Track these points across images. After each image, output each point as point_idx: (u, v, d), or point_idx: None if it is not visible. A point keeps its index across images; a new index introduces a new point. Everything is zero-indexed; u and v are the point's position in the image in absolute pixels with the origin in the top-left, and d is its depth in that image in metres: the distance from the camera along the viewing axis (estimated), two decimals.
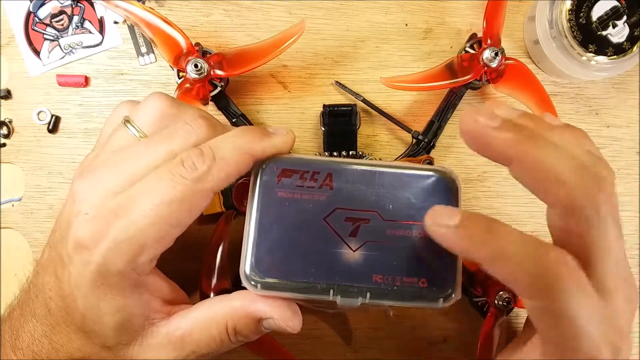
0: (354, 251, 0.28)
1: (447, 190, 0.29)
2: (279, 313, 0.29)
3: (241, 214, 0.42)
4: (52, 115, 0.43)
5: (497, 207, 0.46)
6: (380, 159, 0.44)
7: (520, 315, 0.45)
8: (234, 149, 0.28)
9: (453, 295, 0.27)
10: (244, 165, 0.28)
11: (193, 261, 0.44)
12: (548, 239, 0.48)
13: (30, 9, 0.43)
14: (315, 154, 0.43)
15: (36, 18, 0.43)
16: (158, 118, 0.30)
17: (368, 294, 0.27)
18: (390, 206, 0.28)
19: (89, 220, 0.27)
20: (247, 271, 0.28)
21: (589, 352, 0.23)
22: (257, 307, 0.29)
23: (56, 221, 0.30)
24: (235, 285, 0.42)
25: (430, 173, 0.29)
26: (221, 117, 0.42)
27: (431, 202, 0.28)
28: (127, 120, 0.30)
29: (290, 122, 0.45)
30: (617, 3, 0.41)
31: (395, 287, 0.27)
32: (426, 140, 0.42)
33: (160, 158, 0.28)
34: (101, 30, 0.44)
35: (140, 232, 0.26)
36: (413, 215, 0.28)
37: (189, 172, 0.27)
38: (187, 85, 0.38)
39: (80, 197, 0.28)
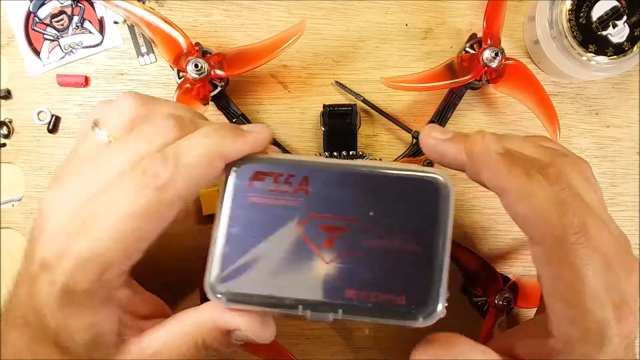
0: (327, 263, 0.25)
1: (437, 195, 0.25)
2: (247, 324, 0.27)
3: None
4: (52, 115, 0.43)
5: (497, 206, 0.46)
6: (380, 159, 0.44)
7: (521, 315, 0.45)
8: (202, 152, 0.25)
9: (435, 313, 0.25)
10: (214, 169, 0.26)
11: (193, 261, 0.44)
12: None
13: (30, 9, 0.43)
14: (316, 154, 0.43)
15: (36, 18, 0.43)
16: (129, 119, 0.27)
17: (340, 310, 0.25)
18: (371, 213, 0.25)
19: (53, 237, 0.25)
20: (212, 283, 0.26)
21: (592, 306, 0.24)
22: (225, 318, 0.27)
23: (28, 233, 0.28)
24: None
25: (420, 176, 0.26)
26: (221, 117, 0.42)
27: (417, 211, 0.25)
28: (95, 124, 0.27)
29: (290, 122, 0.45)
30: (617, 3, 0.41)
31: (369, 304, 0.25)
32: None
33: (126, 165, 0.25)
34: (101, 30, 0.44)
35: (105, 249, 0.24)
36: (396, 225, 0.25)
37: (152, 181, 0.24)
38: (187, 85, 0.38)
39: (46, 212, 0.26)
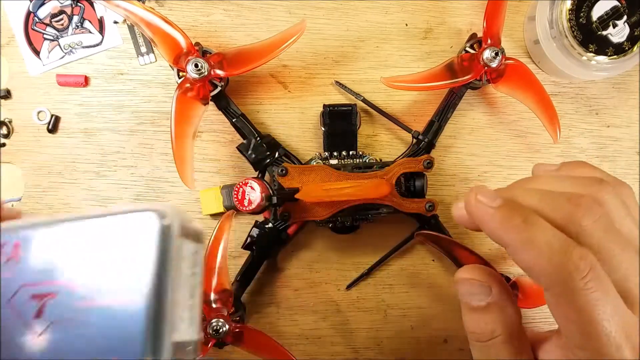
0: (38, 336, 0.21)
1: (151, 235, 0.21)
2: None
3: (241, 213, 0.42)
4: (52, 115, 0.43)
5: None
6: (380, 159, 0.44)
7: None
8: None
9: None
10: None
11: None
12: None
13: (30, 9, 0.43)
14: (314, 159, 0.43)
15: (36, 18, 0.43)
16: None
17: None
18: (81, 270, 0.22)
19: None
20: None
21: (607, 349, 0.23)
22: None
23: None
24: (234, 285, 0.42)
25: (128, 217, 0.22)
26: (221, 117, 0.42)
27: (130, 256, 0.21)
28: None
29: (290, 122, 0.45)
30: (617, 3, 0.41)
31: None
32: (426, 140, 0.42)
33: None
34: (101, 30, 0.44)
35: None
36: (109, 277, 0.21)
37: None
38: (187, 85, 0.38)
39: None
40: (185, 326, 0.23)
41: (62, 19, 0.44)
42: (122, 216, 0.22)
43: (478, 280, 0.26)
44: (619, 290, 0.23)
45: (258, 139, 0.41)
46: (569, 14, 0.41)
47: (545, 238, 0.24)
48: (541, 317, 0.46)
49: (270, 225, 0.41)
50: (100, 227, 0.22)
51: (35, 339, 0.21)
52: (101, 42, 0.44)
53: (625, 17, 0.41)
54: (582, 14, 0.41)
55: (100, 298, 0.21)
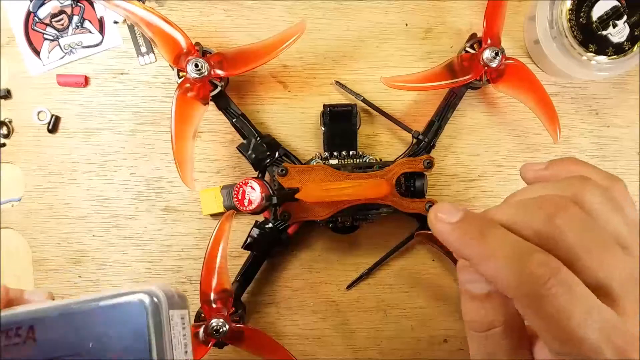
0: None
1: (143, 313, 0.27)
2: None
3: (241, 213, 0.42)
4: (52, 115, 0.43)
5: None
6: (380, 159, 0.44)
7: None
8: None
9: None
10: None
11: (193, 261, 0.44)
12: None
13: (30, 9, 0.43)
14: (314, 159, 0.43)
15: (36, 18, 0.43)
16: None
17: None
18: (91, 344, 0.27)
19: None
20: None
21: (587, 353, 0.22)
22: None
23: None
24: (234, 285, 0.42)
25: (122, 300, 0.27)
26: (221, 117, 0.42)
27: (129, 332, 0.27)
28: None
29: (290, 122, 0.45)
30: (617, 3, 0.41)
31: None
32: (426, 140, 0.42)
33: None
34: (101, 30, 0.44)
35: None
36: (113, 351, 0.27)
37: None
38: (187, 85, 0.38)
39: None
40: None
41: (62, 19, 0.44)
42: (119, 299, 0.27)
43: None
44: (599, 289, 0.23)
45: (258, 139, 0.41)
46: (569, 14, 0.41)
47: (503, 248, 0.23)
48: None
49: (270, 225, 0.41)
50: (102, 309, 0.27)
51: None
52: (101, 42, 0.44)
53: (625, 17, 0.41)
54: (582, 14, 0.41)
55: None
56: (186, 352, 0.30)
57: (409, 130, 0.43)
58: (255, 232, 0.41)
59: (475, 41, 0.42)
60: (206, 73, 0.38)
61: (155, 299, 0.27)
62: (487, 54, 0.40)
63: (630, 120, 0.47)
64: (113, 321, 0.27)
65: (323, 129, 0.42)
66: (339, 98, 0.45)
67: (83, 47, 0.44)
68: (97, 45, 0.44)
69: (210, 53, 0.40)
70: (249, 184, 0.39)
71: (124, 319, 0.27)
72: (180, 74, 0.40)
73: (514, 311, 0.25)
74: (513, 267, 0.23)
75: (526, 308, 0.23)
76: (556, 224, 0.23)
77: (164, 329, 0.27)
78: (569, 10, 0.41)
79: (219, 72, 0.39)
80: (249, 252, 0.42)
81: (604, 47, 0.41)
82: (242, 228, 0.44)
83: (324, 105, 0.42)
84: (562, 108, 0.46)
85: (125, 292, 0.27)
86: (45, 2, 0.43)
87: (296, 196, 0.38)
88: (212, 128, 0.44)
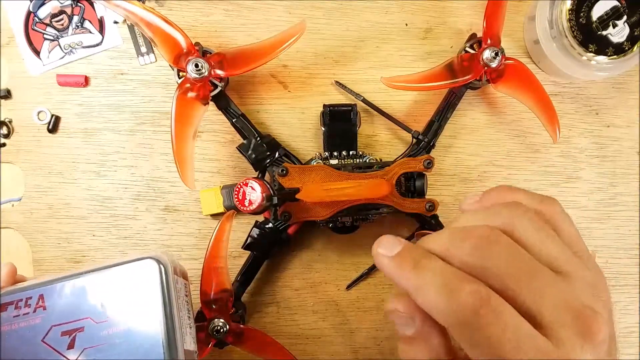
0: None
1: (152, 278, 0.29)
2: None
3: (241, 213, 0.42)
4: (52, 115, 0.43)
5: None
6: (380, 159, 0.44)
7: None
8: None
9: None
10: None
11: (193, 261, 0.44)
12: None
13: (30, 9, 0.43)
14: (314, 159, 0.43)
15: (36, 18, 0.43)
16: None
17: None
18: (102, 307, 0.29)
19: None
20: None
21: None
22: None
23: None
24: (234, 285, 0.42)
25: (130, 265, 0.30)
26: (221, 117, 0.42)
27: (138, 292, 0.29)
28: None
29: (290, 122, 0.45)
30: (617, 3, 0.41)
31: None
32: (426, 140, 0.42)
33: None
34: (101, 30, 0.44)
35: None
36: (124, 310, 0.29)
37: None
38: (187, 85, 0.38)
39: None
40: (189, 338, 0.31)
41: (62, 19, 0.44)
42: (128, 265, 0.30)
43: (402, 312, 0.26)
44: (531, 316, 0.23)
45: (258, 139, 0.41)
46: (569, 14, 0.41)
47: (435, 279, 0.23)
48: None
49: (270, 225, 0.41)
50: (111, 274, 0.29)
51: None
52: (101, 42, 0.44)
53: (625, 17, 0.41)
54: (582, 14, 0.41)
55: (121, 326, 0.29)
56: (189, 317, 0.32)
57: (409, 130, 0.43)
58: (256, 232, 0.41)
59: (475, 41, 0.42)
60: (206, 73, 0.38)
61: (162, 264, 0.30)
62: (487, 54, 0.40)
63: (630, 120, 0.47)
64: (121, 285, 0.29)
65: (323, 129, 0.42)
66: (339, 98, 0.45)
67: (83, 47, 0.44)
68: (97, 45, 0.44)
69: (210, 53, 0.40)
70: (249, 184, 0.39)
71: (133, 282, 0.29)
72: (180, 74, 0.40)
73: (439, 349, 0.25)
74: (444, 296, 0.23)
75: (460, 336, 0.23)
76: (481, 255, 0.24)
77: (171, 291, 0.29)
78: (569, 10, 0.41)
79: (219, 72, 0.39)
80: (249, 252, 0.42)
81: (604, 47, 0.41)
82: (242, 228, 0.44)
83: (324, 105, 0.42)
84: (562, 108, 0.46)
85: (131, 258, 0.30)
86: (45, 2, 0.43)
87: (296, 196, 0.38)
88: (212, 128, 0.44)
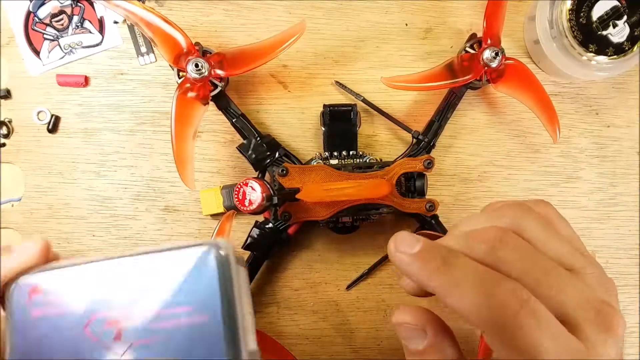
0: (120, 357, 0.25)
1: (212, 267, 0.25)
2: None
3: (241, 213, 0.42)
4: (52, 115, 0.43)
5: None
6: (381, 159, 0.44)
7: None
8: None
9: None
10: None
11: None
12: None
13: (30, 9, 0.43)
14: (314, 159, 0.43)
15: (36, 18, 0.43)
16: None
17: None
18: (152, 296, 0.25)
19: None
20: None
21: None
22: None
23: None
24: None
25: (189, 251, 0.26)
26: (221, 117, 0.42)
27: (195, 282, 0.25)
28: None
29: (290, 122, 0.45)
30: (617, 3, 0.41)
31: None
32: (426, 140, 0.42)
33: None
34: (101, 30, 0.44)
35: None
36: (178, 301, 0.25)
37: None
38: (187, 85, 0.38)
39: None
40: (251, 336, 0.27)
41: (62, 19, 0.44)
42: (184, 250, 0.26)
43: (412, 325, 0.25)
44: (557, 317, 0.22)
45: (258, 139, 0.41)
46: (569, 14, 0.41)
47: (468, 277, 0.22)
48: None
49: (270, 225, 0.41)
50: (164, 260, 0.26)
51: (118, 358, 0.25)
52: (101, 42, 0.44)
53: (625, 17, 0.41)
54: (582, 14, 0.41)
55: (176, 319, 0.25)
56: (251, 312, 0.28)
57: (409, 130, 0.43)
58: (256, 232, 0.41)
59: (475, 41, 0.42)
60: (206, 73, 0.38)
61: (223, 251, 0.26)
62: (487, 54, 0.40)
63: (630, 120, 0.47)
64: (176, 272, 0.25)
65: (323, 129, 0.42)
66: (339, 98, 0.45)
67: (83, 47, 0.44)
68: (97, 45, 0.44)
69: (210, 53, 0.40)
70: (249, 184, 0.39)
71: (189, 270, 0.25)
72: (180, 74, 0.40)
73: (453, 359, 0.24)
74: (482, 296, 0.22)
75: (496, 338, 0.22)
76: (498, 256, 0.23)
77: (234, 281, 0.26)
78: (569, 10, 0.41)
79: (219, 72, 0.39)
80: (249, 252, 0.42)
81: (604, 47, 0.41)
82: (242, 228, 0.44)
83: (324, 105, 0.42)
84: (562, 108, 0.46)
85: (187, 244, 0.26)
86: (45, 2, 0.43)
87: (296, 196, 0.38)
88: (212, 128, 0.44)
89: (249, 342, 0.26)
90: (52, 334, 0.25)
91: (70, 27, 0.44)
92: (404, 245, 0.24)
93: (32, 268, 0.27)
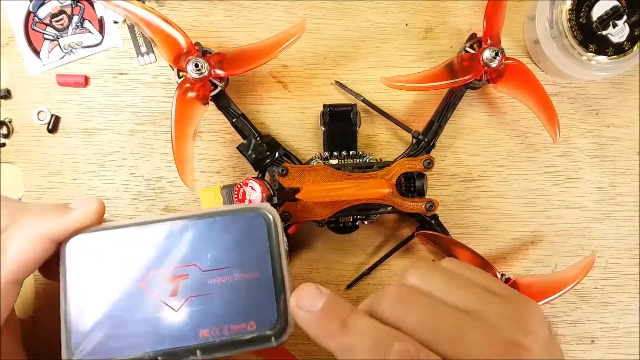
0: (176, 311, 0.27)
1: (262, 228, 0.28)
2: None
3: None
4: (52, 115, 0.43)
5: (497, 206, 0.46)
6: (380, 159, 0.44)
7: None
8: (27, 236, 0.26)
9: (286, 331, 0.27)
10: (42, 251, 0.27)
11: None
12: (549, 238, 0.48)
13: (30, 9, 0.43)
14: (314, 159, 0.43)
15: (36, 18, 0.43)
16: None
17: (198, 352, 0.26)
18: (209, 255, 0.27)
19: None
20: (68, 357, 0.26)
21: None
22: None
23: None
24: None
25: (241, 213, 0.28)
26: (221, 117, 0.42)
27: (248, 241, 0.27)
28: None
29: (290, 122, 0.45)
30: (617, 3, 0.41)
31: (224, 338, 0.26)
32: (426, 140, 0.42)
33: None
34: (101, 30, 0.44)
35: None
36: (232, 259, 0.27)
37: None
38: (187, 85, 0.38)
39: None
40: (289, 291, 0.28)
41: (62, 19, 0.44)
42: (236, 213, 0.28)
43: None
44: None
45: (258, 139, 0.41)
46: (569, 14, 0.41)
47: (363, 341, 0.23)
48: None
49: None
50: (217, 222, 0.28)
51: (173, 312, 0.26)
52: (101, 42, 0.44)
53: (625, 17, 0.41)
54: (582, 14, 0.41)
55: (230, 275, 0.27)
56: (288, 272, 0.29)
57: (409, 130, 0.43)
58: None
59: (475, 41, 0.42)
60: (206, 73, 0.38)
61: (272, 216, 0.28)
62: (487, 54, 0.40)
63: (630, 120, 0.47)
64: (229, 234, 0.27)
65: (323, 129, 0.42)
66: (339, 98, 0.45)
67: (83, 47, 0.44)
68: (97, 45, 0.44)
69: (210, 53, 0.40)
70: (249, 184, 0.39)
71: (243, 231, 0.27)
72: (180, 74, 0.40)
73: None
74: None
75: None
76: (398, 312, 0.24)
77: (280, 243, 0.28)
78: (569, 10, 0.41)
79: (219, 72, 0.39)
80: None
81: (604, 47, 0.41)
82: None
83: (324, 105, 0.42)
84: (562, 108, 0.46)
85: (238, 207, 0.28)
86: (45, 2, 0.43)
87: (296, 196, 0.38)
88: (212, 128, 0.44)
89: (291, 298, 0.27)
90: (107, 290, 0.27)
91: (70, 27, 0.44)
92: (306, 300, 0.25)
93: (88, 227, 0.28)
